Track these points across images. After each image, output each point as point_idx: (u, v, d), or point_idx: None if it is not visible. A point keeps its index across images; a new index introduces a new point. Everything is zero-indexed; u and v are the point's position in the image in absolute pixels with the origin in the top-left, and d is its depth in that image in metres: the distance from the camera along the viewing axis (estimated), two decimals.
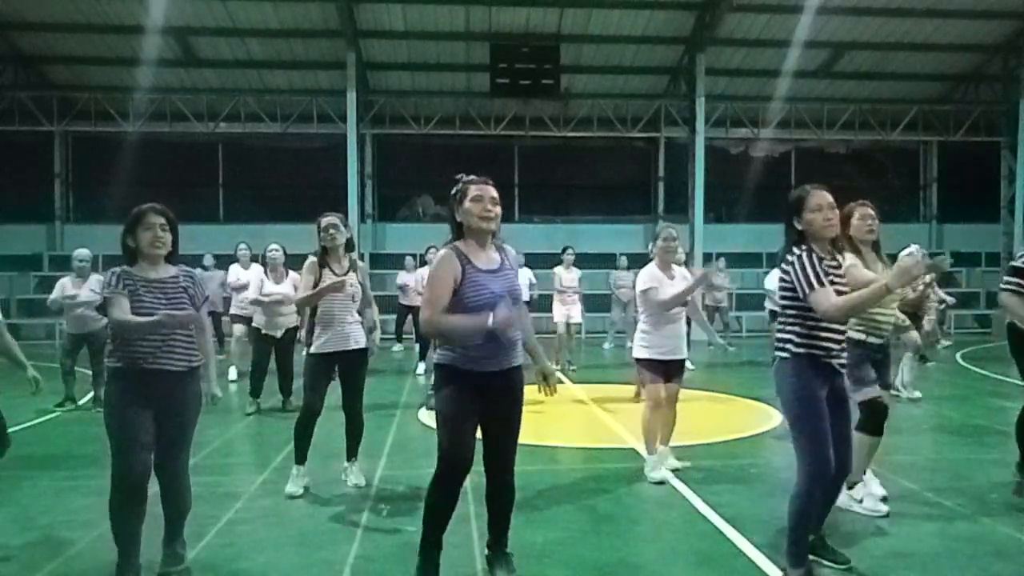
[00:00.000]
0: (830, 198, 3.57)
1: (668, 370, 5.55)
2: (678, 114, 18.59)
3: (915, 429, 7.36)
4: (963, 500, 4.84)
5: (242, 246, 10.67)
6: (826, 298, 3.40)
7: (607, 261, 15.70)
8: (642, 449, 5.67)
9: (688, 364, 11.22)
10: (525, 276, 12.17)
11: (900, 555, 3.95)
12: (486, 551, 3.64)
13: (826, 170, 20.68)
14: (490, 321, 3.22)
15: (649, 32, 17.20)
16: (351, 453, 5.33)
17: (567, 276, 11.35)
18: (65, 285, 8.18)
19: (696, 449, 6.00)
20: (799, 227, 3.58)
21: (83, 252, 8.21)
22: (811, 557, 3.72)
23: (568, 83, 18.12)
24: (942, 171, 20.90)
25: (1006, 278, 4.88)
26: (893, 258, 8.99)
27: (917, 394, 8.57)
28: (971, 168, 20.20)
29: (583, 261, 14.91)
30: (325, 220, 5.23)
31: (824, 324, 3.50)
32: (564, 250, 11.62)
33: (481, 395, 3.38)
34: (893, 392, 8.72)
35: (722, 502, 4.76)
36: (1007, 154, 19.06)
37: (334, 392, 5.32)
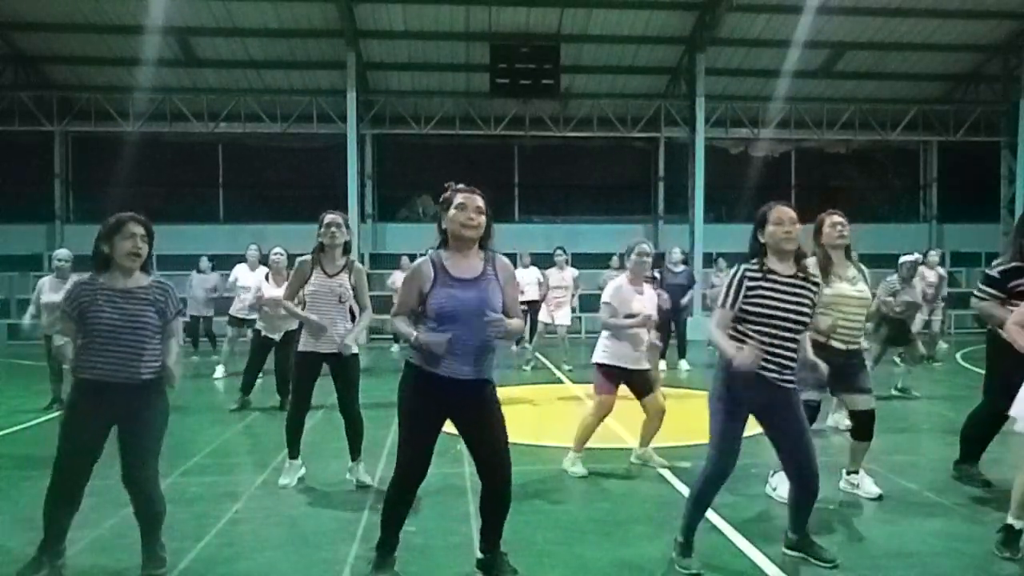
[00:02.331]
0: (792, 214, 3.72)
1: (634, 382, 5.54)
2: (678, 114, 18.59)
3: (915, 429, 7.36)
4: (963, 500, 4.84)
5: (252, 247, 10.63)
6: (716, 319, 3.70)
7: (607, 261, 15.68)
8: (635, 446, 5.80)
9: (683, 364, 11.34)
10: (533, 276, 12.22)
11: (900, 555, 3.95)
12: (479, 555, 3.63)
13: (826, 170, 20.73)
14: (416, 339, 3.31)
15: (649, 32, 17.21)
16: (354, 453, 5.31)
17: (557, 277, 11.37)
18: (44, 286, 8.11)
19: (696, 449, 5.98)
20: (762, 239, 3.74)
21: (63, 252, 8.17)
22: (797, 555, 3.85)
23: (568, 83, 18.13)
24: (942, 171, 20.90)
25: (981, 286, 4.87)
26: (894, 259, 8.95)
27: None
28: (971, 168, 20.20)
29: (583, 261, 14.91)
30: (328, 217, 5.21)
31: (752, 338, 3.58)
32: (555, 251, 11.62)
33: (446, 403, 3.41)
34: (897, 391, 8.81)
35: (722, 502, 4.74)
36: (1007, 154, 19.06)
37: (333, 392, 5.33)
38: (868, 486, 4.95)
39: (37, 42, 17.26)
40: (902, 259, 8.53)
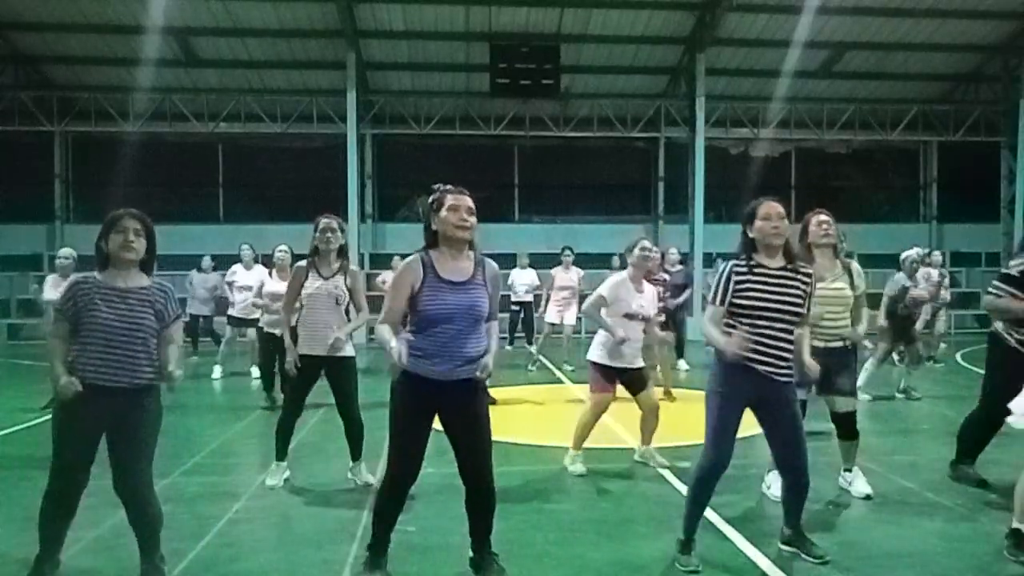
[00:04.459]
0: (780, 209, 3.70)
1: (629, 380, 5.58)
2: (678, 114, 18.59)
3: (915, 429, 7.37)
4: (963, 500, 4.84)
5: (245, 247, 10.67)
6: (709, 315, 3.72)
7: (607, 261, 15.68)
8: (636, 444, 5.80)
9: (682, 364, 11.34)
10: (528, 278, 12.18)
11: (900, 555, 3.95)
12: (471, 555, 3.61)
13: (826, 170, 20.72)
14: (394, 352, 3.24)
15: (649, 32, 17.20)
16: (355, 455, 5.32)
17: (563, 277, 11.33)
18: (47, 284, 8.11)
19: (696, 449, 5.96)
20: (751, 235, 3.72)
21: (66, 251, 8.18)
22: (788, 549, 3.90)
23: (568, 83, 18.11)
24: (942, 171, 20.89)
25: (996, 283, 4.90)
26: (894, 259, 8.94)
27: (867, 397, 8.45)
28: (971, 168, 20.18)
29: (583, 261, 14.88)
30: (323, 222, 5.25)
31: (745, 332, 3.59)
32: (563, 250, 11.61)
33: (435, 403, 3.43)
34: (899, 393, 8.80)
35: (722, 502, 4.75)
36: (1007, 154, 19.04)
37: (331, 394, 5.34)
38: (859, 485, 4.95)
39: (37, 42, 17.25)
40: (904, 254, 8.54)
